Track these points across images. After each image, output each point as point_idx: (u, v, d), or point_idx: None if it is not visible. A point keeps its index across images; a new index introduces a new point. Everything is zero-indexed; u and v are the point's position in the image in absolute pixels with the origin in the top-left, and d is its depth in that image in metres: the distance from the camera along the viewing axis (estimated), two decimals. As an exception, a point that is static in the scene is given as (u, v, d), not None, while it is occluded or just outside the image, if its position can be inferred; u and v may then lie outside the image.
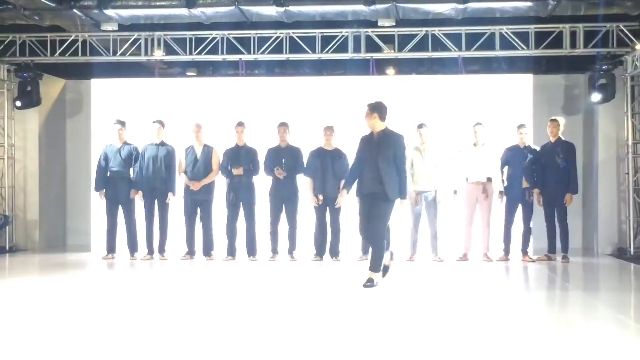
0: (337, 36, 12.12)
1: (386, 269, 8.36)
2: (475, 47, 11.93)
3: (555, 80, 12.90)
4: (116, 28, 11.93)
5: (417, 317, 6.65)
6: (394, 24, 11.64)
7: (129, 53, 12.49)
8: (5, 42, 12.39)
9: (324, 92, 12.53)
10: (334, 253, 10.83)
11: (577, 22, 11.60)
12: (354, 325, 6.24)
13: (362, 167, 8.23)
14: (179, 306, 7.20)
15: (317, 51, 12.17)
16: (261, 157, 11.05)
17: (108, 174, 11.20)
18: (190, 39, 12.37)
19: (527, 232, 10.94)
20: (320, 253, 10.89)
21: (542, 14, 11.15)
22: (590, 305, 7.40)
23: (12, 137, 12.75)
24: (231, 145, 11.05)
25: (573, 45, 11.77)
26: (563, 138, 10.80)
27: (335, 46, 12.14)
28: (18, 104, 12.36)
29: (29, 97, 12.34)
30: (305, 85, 12.80)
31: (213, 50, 12.35)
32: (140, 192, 11.10)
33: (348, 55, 12.27)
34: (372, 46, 12.19)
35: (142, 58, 12.57)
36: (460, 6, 10.86)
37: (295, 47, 12.20)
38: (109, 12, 11.28)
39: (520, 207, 10.89)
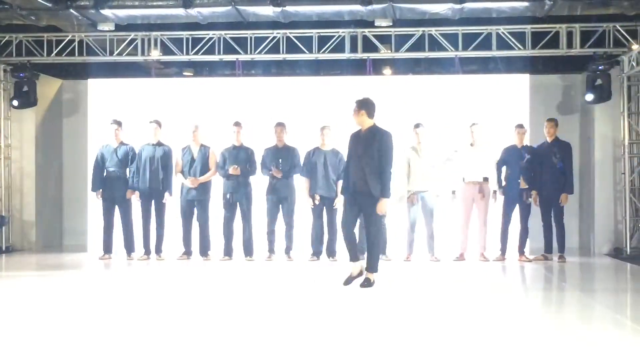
0: (334, 36, 12.12)
1: (350, 280, 8.12)
2: (472, 47, 11.93)
3: (551, 80, 12.91)
4: (113, 28, 11.93)
5: (414, 317, 6.65)
6: (391, 24, 11.64)
7: (125, 53, 12.48)
8: (2, 42, 12.38)
9: (320, 92, 12.52)
10: (331, 253, 10.83)
11: (573, 22, 11.61)
12: (351, 325, 6.24)
13: (349, 163, 8.19)
14: (176, 306, 7.20)
15: (314, 51, 12.17)
16: (258, 157, 11.06)
17: (105, 174, 11.20)
18: (187, 39, 12.36)
19: (524, 232, 10.95)
20: (317, 253, 10.89)
21: (538, 14, 11.16)
22: (588, 306, 7.40)
23: (9, 138, 12.74)
24: (228, 145, 11.05)
25: (570, 45, 11.78)
26: (560, 138, 10.83)
27: (332, 46, 12.14)
28: (15, 103, 12.35)
29: (25, 97, 12.33)
30: (302, 85, 12.80)
31: (210, 51, 12.34)
32: (136, 193, 11.09)
33: (345, 55, 12.27)
34: (368, 46, 12.19)
35: (139, 58, 12.56)
36: (457, 6, 10.86)
37: (292, 47, 12.20)
38: (106, 12, 11.27)
39: (517, 207, 10.89)
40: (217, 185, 11.14)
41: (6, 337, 5.69)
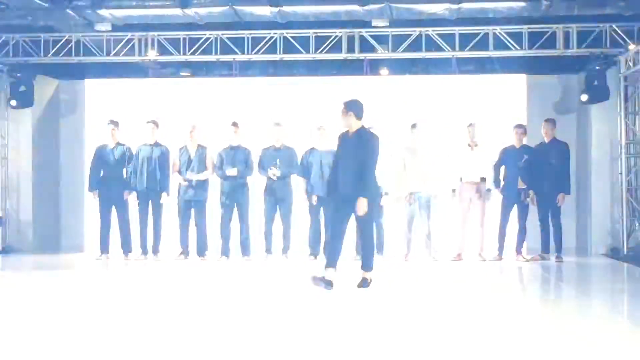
0: (330, 36, 12.12)
1: (327, 282, 7.71)
2: (469, 47, 11.94)
3: (548, 80, 12.92)
4: (110, 28, 11.92)
5: (412, 317, 6.65)
6: (388, 24, 11.65)
7: (122, 53, 12.46)
8: (-1, 43, 12.39)
9: (317, 92, 12.53)
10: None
11: (570, 22, 11.62)
12: (349, 325, 6.24)
13: (336, 164, 8.07)
14: (174, 307, 7.19)
15: (311, 51, 12.17)
16: (255, 157, 11.06)
17: (101, 174, 11.19)
18: (184, 39, 12.35)
19: (521, 232, 10.95)
20: (314, 253, 10.89)
21: (535, 14, 11.17)
22: (586, 305, 7.41)
23: (6, 138, 12.73)
24: (225, 146, 11.05)
25: (566, 45, 11.79)
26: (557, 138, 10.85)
27: (329, 46, 12.13)
28: (13, 103, 12.32)
29: (23, 97, 12.31)
30: (299, 85, 12.80)
31: (207, 51, 12.33)
32: (133, 193, 11.09)
33: (342, 56, 12.26)
34: (365, 46, 12.19)
35: (136, 58, 12.55)
36: (454, 6, 10.87)
37: (289, 48, 12.20)
38: (103, 12, 11.27)
39: (515, 206, 10.90)
40: (215, 186, 11.13)
41: (3, 338, 5.68)
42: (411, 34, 11.96)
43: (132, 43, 12.39)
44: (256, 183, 11.10)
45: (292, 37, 12.12)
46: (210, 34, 12.24)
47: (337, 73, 13.75)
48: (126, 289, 8.59)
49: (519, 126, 11.01)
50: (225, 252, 11.02)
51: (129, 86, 12.97)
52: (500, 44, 11.85)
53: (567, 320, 6.53)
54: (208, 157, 11.08)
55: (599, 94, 11.61)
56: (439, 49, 12.00)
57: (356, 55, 12.22)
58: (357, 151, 7.81)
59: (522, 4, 10.87)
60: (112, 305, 7.27)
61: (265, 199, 10.95)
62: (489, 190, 10.87)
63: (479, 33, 11.86)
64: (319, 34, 12.13)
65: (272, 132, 11.02)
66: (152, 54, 12.46)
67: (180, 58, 12.52)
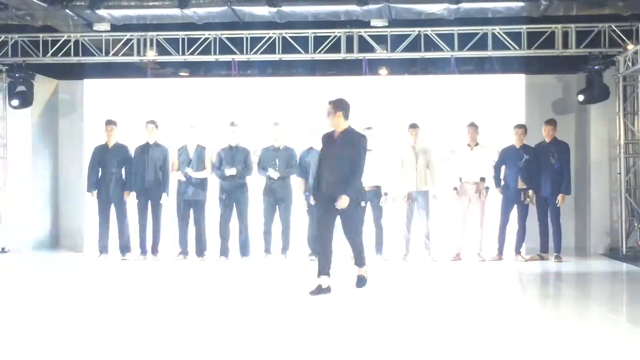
0: (329, 36, 12.12)
1: (325, 290, 7.64)
2: (467, 47, 11.94)
3: (547, 80, 12.91)
4: (108, 28, 11.92)
5: (411, 317, 6.65)
6: (387, 24, 11.67)
7: (121, 53, 12.46)
8: (-2, 43, 12.39)
9: (316, 92, 12.51)
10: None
11: (569, 22, 11.63)
12: (348, 325, 6.24)
13: (320, 165, 7.92)
14: (173, 307, 7.19)
15: (309, 51, 12.17)
16: (254, 157, 11.06)
17: (100, 174, 11.19)
18: (183, 39, 12.35)
19: (521, 232, 10.95)
20: (314, 253, 10.88)
21: (534, 14, 11.19)
22: (585, 306, 7.41)
23: (5, 137, 12.71)
24: (224, 146, 11.04)
25: (565, 45, 11.80)
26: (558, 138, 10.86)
27: (328, 46, 12.13)
28: (15, 103, 12.30)
29: (22, 97, 12.29)
30: (298, 85, 12.78)
31: (206, 51, 12.33)
32: (133, 193, 11.08)
33: (341, 56, 12.27)
34: (364, 46, 12.19)
35: (135, 58, 12.55)
36: (453, 6, 10.88)
37: (288, 48, 12.19)
38: (101, 12, 11.27)
39: (515, 207, 10.90)
40: (214, 186, 11.13)
41: (3, 338, 5.68)
42: (410, 34, 11.96)
43: (131, 43, 12.39)
44: (255, 183, 11.09)
45: (291, 37, 12.12)
46: (209, 34, 12.24)
47: (336, 73, 13.77)
48: (125, 289, 8.59)
49: (520, 126, 11.00)
50: (224, 252, 11.02)
51: (128, 86, 12.95)
52: (499, 44, 11.86)
53: (566, 321, 6.54)
54: (207, 157, 11.08)
55: (597, 94, 11.61)
56: (438, 48, 12.00)
57: (355, 55, 12.22)
58: (345, 152, 7.65)
59: (521, 3, 10.89)
60: (111, 305, 7.27)
61: (264, 199, 10.95)
62: (487, 188, 10.87)
63: (478, 33, 11.87)
64: (317, 34, 12.14)
65: (271, 132, 11.01)
66: (151, 54, 12.46)
67: (179, 58, 12.52)
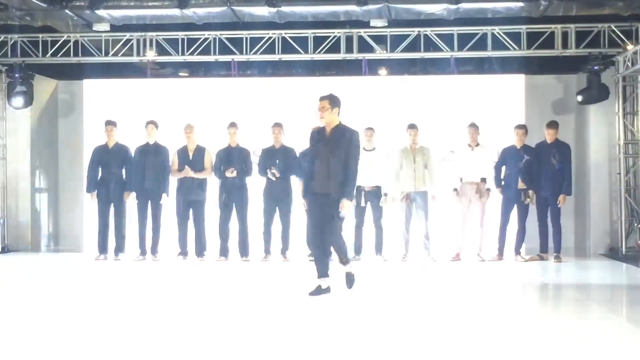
0: (329, 36, 12.12)
1: (324, 290, 7.54)
2: (467, 47, 11.95)
3: (547, 80, 12.91)
4: (108, 28, 11.92)
5: (411, 317, 6.65)
6: (386, 24, 11.67)
7: (121, 54, 12.46)
8: (-3, 43, 12.39)
9: (316, 92, 12.45)
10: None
11: (568, 22, 11.64)
12: (348, 325, 6.24)
13: (311, 164, 7.66)
14: (172, 307, 7.19)
15: (309, 52, 12.18)
16: (254, 158, 11.06)
17: (100, 174, 11.19)
18: (183, 40, 12.35)
19: (521, 232, 10.94)
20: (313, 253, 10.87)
21: (534, 14, 11.19)
22: (585, 306, 7.41)
23: (4, 138, 12.71)
24: (224, 146, 11.04)
25: (565, 45, 11.80)
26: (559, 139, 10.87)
27: (327, 47, 12.14)
28: (12, 103, 12.29)
29: (22, 97, 12.28)
30: (298, 85, 12.78)
31: (205, 51, 12.33)
32: (133, 193, 11.07)
33: (340, 56, 12.27)
34: (364, 47, 12.19)
35: (134, 59, 12.55)
36: (453, 6, 10.88)
37: (287, 48, 12.20)
38: (101, 12, 11.27)
39: (515, 207, 10.90)
40: (213, 186, 11.13)
41: (3, 338, 5.68)
42: (410, 34, 11.97)
43: (130, 43, 12.39)
44: (255, 183, 11.08)
45: (290, 37, 12.12)
46: (208, 34, 12.24)
47: (336, 73, 13.79)
48: (124, 289, 8.59)
49: (520, 127, 10.98)
50: (224, 252, 11.01)
51: (128, 86, 12.95)
52: (498, 44, 11.86)
53: (566, 321, 6.54)
54: (207, 157, 11.07)
55: (597, 94, 11.61)
56: (438, 49, 12.01)
57: (355, 55, 12.22)
58: (338, 149, 7.43)
59: (521, 4, 10.89)
60: (111, 305, 7.26)
61: (264, 199, 10.93)
62: (488, 189, 10.87)
63: (478, 33, 11.87)
64: (317, 34, 12.14)
65: (272, 133, 10.99)
66: (151, 54, 12.46)
67: (179, 58, 12.52)
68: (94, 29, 11.90)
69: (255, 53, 12.27)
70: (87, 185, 11.28)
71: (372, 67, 13.16)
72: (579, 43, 11.76)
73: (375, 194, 10.77)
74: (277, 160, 10.84)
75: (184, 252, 11.12)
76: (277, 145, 10.97)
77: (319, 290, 7.50)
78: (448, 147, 11.63)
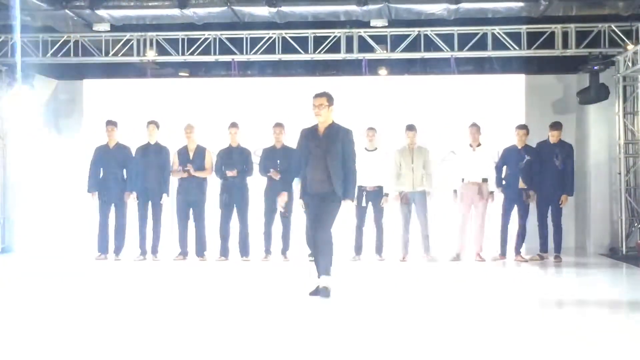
0: (329, 36, 12.13)
1: (320, 290, 7.33)
2: (467, 47, 11.95)
3: (547, 80, 12.93)
4: (108, 28, 11.93)
5: (411, 317, 6.65)
6: (387, 24, 11.68)
7: (121, 54, 12.47)
8: (-3, 43, 12.39)
9: (316, 92, 12.49)
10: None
11: (569, 22, 11.64)
12: (347, 325, 6.24)
13: (305, 164, 7.45)
14: (172, 307, 7.18)
15: (309, 52, 12.18)
16: (255, 158, 11.06)
17: (101, 174, 11.18)
18: (183, 40, 12.36)
19: (521, 232, 10.93)
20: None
21: (534, 14, 11.19)
22: (585, 306, 7.41)
23: (4, 137, 12.71)
24: (225, 146, 11.04)
25: (565, 45, 11.81)
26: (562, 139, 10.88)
27: (327, 46, 12.14)
28: (15, 103, 12.28)
29: (22, 97, 12.27)
30: (298, 85, 12.78)
31: (205, 51, 12.34)
32: (134, 194, 11.07)
33: (340, 56, 12.27)
34: (364, 46, 12.20)
35: (135, 59, 12.55)
36: (453, 6, 10.89)
37: (287, 48, 12.20)
38: (101, 12, 11.28)
39: (515, 207, 10.89)
40: (214, 186, 11.13)
41: (3, 338, 5.68)
42: (410, 34, 11.97)
43: (130, 43, 12.40)
44: (256, 183, 11.08)
45: (290, 37, 12.13)
46: (208, 34, 12.24)
47: (336, 73, 13.78)
48: (125, 289, 8.58)
49: (522, 127, 10.94)
50: (224, 252, 11.01)
51: (128, 86, 12.97)
52: (498, 44, 11.86)
53: (566, 321, 6.54)
54: (207, 157, 11.07)
55: (597, 94, 11.61)
56: (438, 49, 12.01)
57: (355, 55, 12.23)
58: (335, 148, 7.30)
59: (521, 4, 10.90)
60: (111, 305, 7.26)
61: (265, 199, 10.92)
62: (492, 192, 10.84)
63: (478, 33, 11.88)
64: (317, 34, 12.15)
65: (273, 133, 10.99)
66: (151, 54, 12.46)
67: (179, 58, 12.53)
68: (94, 29, 11.91)
69: (255, 53, 12.27)
70: (89, 185, 11.27)
71: (372, 67, 13.16)
72: (579, 43, 11.76)
73: (376, 194, 10.77)
74: (278, 161, 10.83)
75: (184, 252, 11.12)
76: (278, 145, 10.96)
77: (318, 290, 7.46)
78: (448, 147, 11.64)
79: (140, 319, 6.54)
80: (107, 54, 12.41)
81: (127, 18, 11.57)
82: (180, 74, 14.27)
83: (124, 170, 11.16)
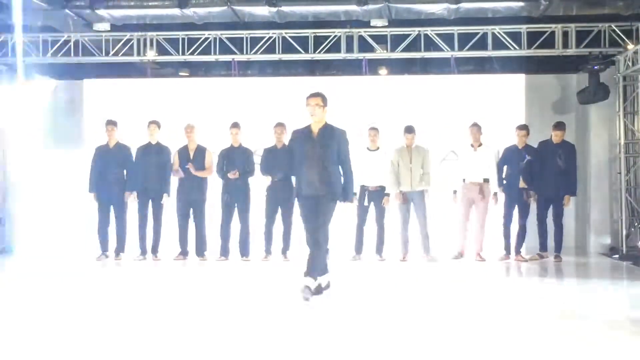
0: (329, 36, 12.12)
1: (321, 289, 7.46)
2: (467, 47, 11.94)
3: (547, 80, 12.92)
4: (108, 28, 11.92)
5: (410, 317, 6.65)
6: (387, 24, 11.67)
7: (121, 53, 12.46)
8: (-2, 43, 12.39)
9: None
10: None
11: (569, 22, 11.63)
12: (347, 325, 6.24)
13: (299, 165, 7.41)
14: (172, 306, 7.19)
15: (309, 51, 12.17)
16: (256, 158, 11.06)
17: (101, 174, 11.18)
18: (183, 39, 12.35)
19: (521, 232, 10.92)
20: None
21: (534, 14, 11.19)
22: (585, 305, 7.41)
23: (4, 138, 12.70)
24: (226, 146, 11.03)
25: (565, 45, 11.80)
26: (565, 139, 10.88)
27: (327, 46, 12.13)
28: (15, 103, 12.29)
29: (23, 97, 12.28)
30: (298, 85, 12.77)
31: (206, 51, 12.33)
32: (134, 193, 11.06)
33: (341, 56, 12.26)
34: (364, 46, 12.19)
35: (135, 58, 12.54)
36: (453, 6, 10.88)
37: (288, 48, 12.19)
38: (101, 12, 11.28)
39: (516, 206, 10.89)
40: (214, 186, 11.12)
41: (3, 338, 5.68)
42: (410, 34, 11.96)
43: (130, 43, 12.39)
44: (257, 183, 11.07)
45: (290, 37, 12.12)
46: (209, 34, 12.24)
47: (336, 73, 13.78)
48: (125, 289, 8.58)
49: (522, 127, 10.90)
50: (224, 252, 11.01)
51: (128, 86, 12.96)
52: (499, 44, 11.86)
53: (566, 320, 6.54)
54: (207, 157, 11.07)
55: (597, 94, 11.60)
56: (438, 48, 12.00)
57: (355, 55, 12.21)
58: (331, 149, 7.26)
59: (521, 3, 10.89)
60: (111, 305, 7.26)
61: (266, 199, 10.92)
62: (495, 193, 10.82)
63: (478, 33, 11.87)
64: (317, 34, 12.14)
65: (274, 133, 10.98)
66: (151, 54, 12.46)
67: (179, 58, 12.51)
68: (94, 28, 11.89)
69: (255, 53, 12.27)
70: (90, 185, 11.26)
71: (373, 66, 13.16)
72: (579, 43, 11.75)
73: (379, 194, 10.77)
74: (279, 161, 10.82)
75: (184, 252, 11.12)
76: (280, 145, 10.95)
77: (318, 289, 7.46)
78: (448, 147, 11.63)
79: (140, 319, 6.54)
80: (107, 53, 12.41)
81: (127, 18, 11.56)
82: (181, 73, 14.27)
83: (124, 170, 11.15)
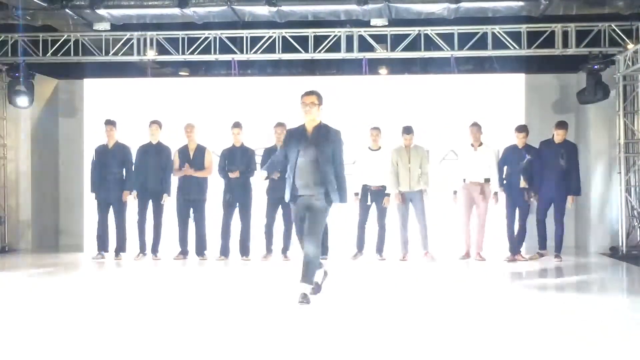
0: (329, 36, 12.12)
1: (318, 288, 7.44)
2: (467, 46, 11.95)
3: (547, 79, 12.93)
4: (108, 28, 11.93)
5: (410, 317, 6.65)
6: (387, 23, 11.67)
7: (121, 53, 12.47)
8: (-2, 42, 12.40)
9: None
10: (324, 251, 10.80)
11: (569, 21, 11.64)
12: (347, 324, 6.24)
13: (293, 165, 7.18)
14: (172, 306, 7.19)
15: (309, 51, 12.18)
16: (257, 157, 11.08)
17: (101, 174, 11.18)
18: (183, 39, 12.36)
19: (522, 232, 10.91)
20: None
21: (534, 13, 11.20)
22: (585, 305, 7.41)
23: (4, 137, 12.72)
24: (228, 146, 11.03)
25: (565, 44, 11.80)
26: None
27: (327, 46, 12.14)
28: (15, 103, 12.29)
29: (23, 97, 12.28)
30: (298, 85, 12.75)
31: (206, 50, 12.34)
32: (134, 193, 11.06)
33: (340, 55, 12.27)
34: (364, 46, 12.20)
35: (135, 58, 12.55)
36: (453, 6, 10.89)
37: (287, 47, 12.20)
38: (101, 11, 11.29)
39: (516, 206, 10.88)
40: (215, 186, 11.13)
41: (3, 338, 5.68)
42: (410, 34, 11.97)
43: (131, 43, 12.40)
44: (258, 183, 11.07)
45: (290, 36, 12.13)
46: (209, 34, 12.24)
47: (336, 73, 13.80)
48: (125, 288, 8.59)
49: (521, 129, 10.82)
50: (224, 252, 11.01)
51: (128, 86, 12.96)
52: (499, 44, 11.86)
53: (567, 320, 6.54)
54: (207, 157, 11.07)
55: (597, 93, 11.60)
56: (438, 48, 12.01)
57: (355, 54, 12.22)
58: (326, 149, 7.09)
59: (521, 3, 10.90)
60: (111, 305, 7.26)
61: (267, 198, 10.92)
62: (496, 193, 10.82)
63: (478, 32, 11.88)
64: (317, 34, 12.15)
65: (274, 133, 10.98)
66: (151, 54, 12.46)
67: (179, 58, 12.52)
68: (94, 28, 11.91)
69: (255, 52, 12.27)
70: (91, 185, 11.26)
71: (373, 66, 13.17)
72: (579, 42, 11.76)
73: (381, 194, 10.78)
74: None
75: (184, 252, 11.13)
76: (280, 145, 10.93)
77: (317, 288, 7.44)
78: (448, 147, 11.62)
79: (140, 319, 6.54)
80: (107, 53, 12.42)
81: (128, 17, 11.57)
82: (181, 73, 14.28)
83: (123, 170, 11.15)
